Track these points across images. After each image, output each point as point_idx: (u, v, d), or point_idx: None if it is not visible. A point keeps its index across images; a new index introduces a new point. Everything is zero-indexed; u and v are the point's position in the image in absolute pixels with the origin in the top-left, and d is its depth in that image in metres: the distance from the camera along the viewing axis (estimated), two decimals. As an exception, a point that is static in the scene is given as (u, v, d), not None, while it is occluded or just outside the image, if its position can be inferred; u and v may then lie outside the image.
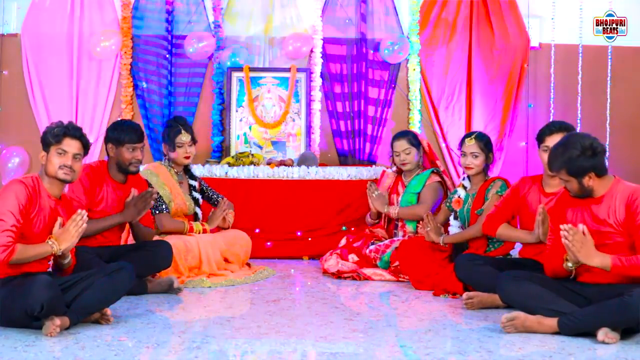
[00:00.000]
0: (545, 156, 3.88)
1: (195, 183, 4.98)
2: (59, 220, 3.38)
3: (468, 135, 4.63)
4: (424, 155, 5.13)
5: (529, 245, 4.05)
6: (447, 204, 4.73)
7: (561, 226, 3.28)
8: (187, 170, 4.97)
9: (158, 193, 4.67)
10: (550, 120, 6.28)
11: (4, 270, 3.29)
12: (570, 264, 3.37)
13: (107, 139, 4.24)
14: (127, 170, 4.21)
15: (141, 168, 4.61)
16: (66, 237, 3.33)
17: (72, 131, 3.43)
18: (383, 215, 5.17)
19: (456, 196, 4.64)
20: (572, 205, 3.44)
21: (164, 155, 4.91)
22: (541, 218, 3.87)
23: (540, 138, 4.00)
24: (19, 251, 3.22)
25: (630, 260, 3.22)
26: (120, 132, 4.19)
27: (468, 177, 4.61)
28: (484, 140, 4.53)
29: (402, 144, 5.02)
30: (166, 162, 4.89)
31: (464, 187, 4.63)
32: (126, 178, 4.26)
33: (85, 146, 3.48)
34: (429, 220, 4.56)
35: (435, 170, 5.05)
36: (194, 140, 4.85)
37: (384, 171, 5.41)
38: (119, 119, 4.44)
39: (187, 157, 4.84)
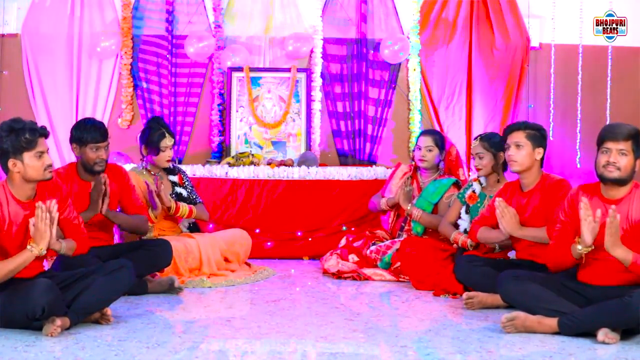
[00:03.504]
0: (506, 155, 4.01)
1: (175, 178, 4.87)
2: (31, 221, 3.26)
3: (476, 137, 4.63)
4: (445, 161, 5.07)
5: (525, 247, 4.03)
6: (460, 196, 4.63)
7: (584, 199, 3.28)
8: (169, 171, 4.86)
9: None
10: (550, 120, 6.32)
11: None
12: (580, 247, 3.33)
13: (71, 139, 4.16)
14: (92, 170, 4.13)
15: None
16: (39, 235, 3.23)
17: (41, 130, 3.34)
18: (393, 212, 5.13)
19: (470, 191, 4.57)
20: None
21: (141, 157, 4.82)
22: (499, 211, 3.87)
23: (504, 139, 4.04)
24: None
25: None
26: (83, 132, 4.10)
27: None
28: (489, 141, 4.49)
29: (427, 140, 4.98)
30: (140, 168, 4.80)
31: (480, 183, 4.57)
32: (94, 177, 4.16)
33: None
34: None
35: (455, 182, 4.95)
36: (175, 141, 4.80)
37: (399, 163, 5.36)
38: (83, 118, 4.38)
39: (169, 160, 4.77)
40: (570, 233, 3.46)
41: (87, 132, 4.10)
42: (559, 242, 3.50)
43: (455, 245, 4.51)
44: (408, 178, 5.04)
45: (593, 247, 3.32)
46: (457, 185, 4.94)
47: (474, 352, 3.10)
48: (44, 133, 3.34)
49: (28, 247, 3.26)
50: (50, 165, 3.36)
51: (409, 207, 4.88)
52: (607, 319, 3.19)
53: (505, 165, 4.50)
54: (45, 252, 3.28)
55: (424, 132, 5.14)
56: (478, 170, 4.53)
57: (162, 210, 4.66)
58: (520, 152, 3.94)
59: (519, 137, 3.95)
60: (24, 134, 3.27)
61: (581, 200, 3.32)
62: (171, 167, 4.88)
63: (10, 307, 3.22)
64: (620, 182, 3.35)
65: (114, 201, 4.24)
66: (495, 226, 4.08)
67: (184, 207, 4.74)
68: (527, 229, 3.91)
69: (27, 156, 3.28)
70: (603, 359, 3.03)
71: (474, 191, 4.56)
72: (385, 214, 5.25)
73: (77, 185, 4.14)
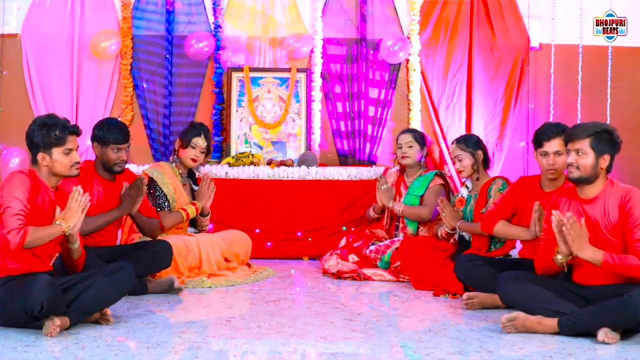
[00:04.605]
0: (544, 160, 3.92)
1: (196, 188, 4.99)
2: (58, 208, 3.38)
3: (452, 141, 4.72)
4: (428, 158, 5.19)
5: (529, 246, 4.05)
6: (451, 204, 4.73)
7: (554, 211, 3.28)
8: (191, 175, 4.99)
9: (162, 190, 4.70)
10: (550, 120, 6.31)
11: (6, 269, 3.30)
12: (560, 257, 3.38)
13: (93, 138, 4.22)
14: (111, 170, 4.19)
15: (147, 167, 4.62)
16: (71, 214, 3.33)
17: (72, 128, 3.44)
18: (386, 214, 5.18)
19: (459, 195, 4.69)
20: (565, 204, 3.45)
21: (172, 153, 4.95)
22: (537, 215, 3.88)
23: (539, 143, 3.99)
24: (31, 233, 3.24)
25: (622, 259, 3.23)
26: (106, 132, 4.15)
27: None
28: (466, 141, 4.62)
29: (406, 137, 5.13)
30: (171, 163, 4.91)
31: (467, 187, 4.67)
32: (114, 176, 4.25)
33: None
34: (444, 205, 4.55)
35: (438, 173, 5.09)
36: (208, 149, 4.89)
37: (387, 168, 5.46)
38: (105, 117, 4.43)
39: (195, 160, 4.86)
40: (552, 239, 3.47)
41: (110, 132, 4.15)
42: (544, 249, 3.53)
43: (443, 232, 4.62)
44: (381, 177, 5.19)
45: (573, 255, 3.34)
46: (441, 175, 5.10)
47: (474, 352, 3.10)
48: (75, 131, 3.45)
49: (56, 222, 3.33)
50: (78, 163, 3.45)
51: (390, 205, 5.03)
52: (607, 319, 3.20)
53: (485, 164, 4.57)
54: (71, 231, 3.35)
55: (402, 131, 5.28)
56: (459, 172, 4.64)
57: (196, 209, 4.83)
58: (561, 158, 3.92)
59: (561, 144, 3.92)
60: (54, 130, 3.38)
61: (557, 201, 3.36)
62: (195, 171, 5.02)
63: (10, 302, 3.23)
64: (583, 181, 3.37)
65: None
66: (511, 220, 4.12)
67: (191, 210, 4.84)
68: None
69: (56, 152, 3.39)
70: (603, 359, 3.03)
71: (462, 195, 4.66)
72: (379, 221, 5.28)
73: (97, 183, 4.18)
